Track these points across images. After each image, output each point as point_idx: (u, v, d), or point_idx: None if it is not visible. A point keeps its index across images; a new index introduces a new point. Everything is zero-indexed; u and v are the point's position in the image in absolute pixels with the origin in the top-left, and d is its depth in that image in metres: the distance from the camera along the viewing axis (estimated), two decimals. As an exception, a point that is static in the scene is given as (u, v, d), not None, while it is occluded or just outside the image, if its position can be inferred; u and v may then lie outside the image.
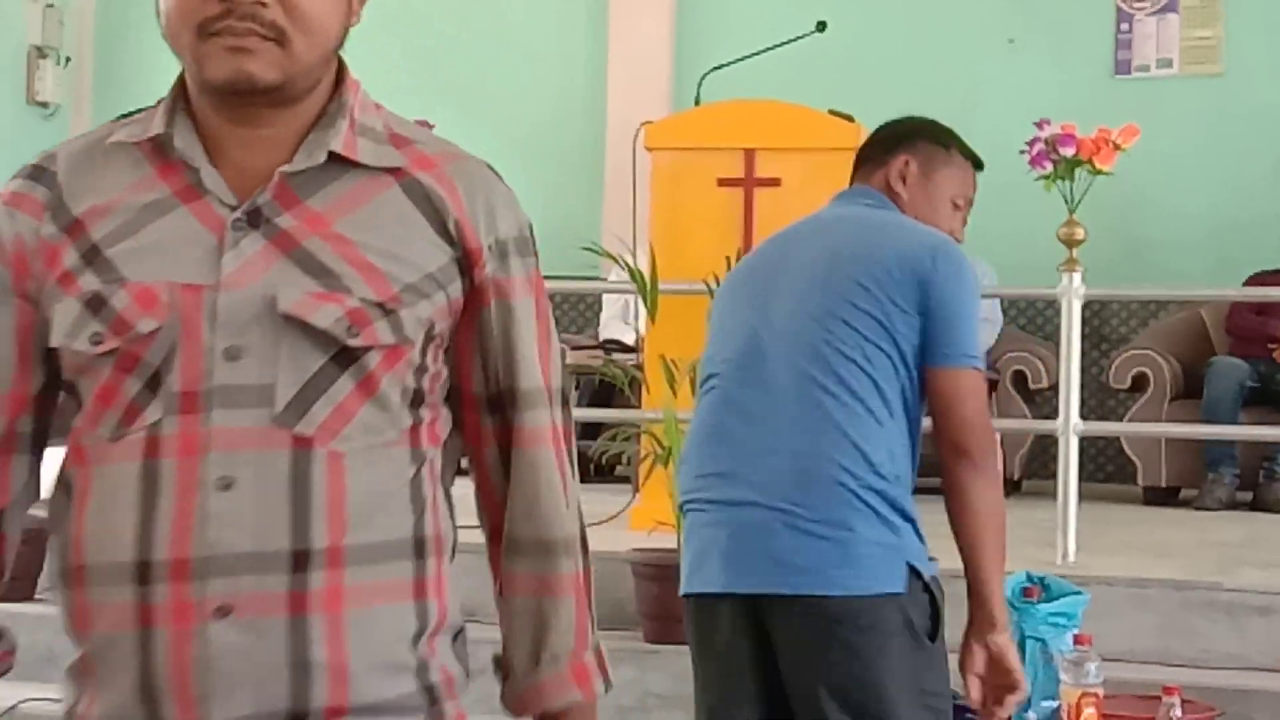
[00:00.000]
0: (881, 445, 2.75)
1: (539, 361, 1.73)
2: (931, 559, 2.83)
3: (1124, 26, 8.41)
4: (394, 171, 1.66)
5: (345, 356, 1.59)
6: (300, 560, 1.56)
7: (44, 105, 9.70)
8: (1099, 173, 5.23)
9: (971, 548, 2.78)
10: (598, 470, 7.76)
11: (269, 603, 1.55)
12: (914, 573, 2.75)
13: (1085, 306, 5.59)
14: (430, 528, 1.66)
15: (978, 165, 3.13)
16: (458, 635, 1.72)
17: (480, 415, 1.74)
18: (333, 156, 1.64)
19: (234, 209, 1.61)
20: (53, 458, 1.72)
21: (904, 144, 3.07)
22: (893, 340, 2.80)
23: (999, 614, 2.82)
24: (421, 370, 1.66)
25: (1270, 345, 7.30)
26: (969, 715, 2.99)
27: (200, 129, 1.64)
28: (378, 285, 1.61)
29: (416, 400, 1.66)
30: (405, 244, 1.63)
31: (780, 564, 2.72)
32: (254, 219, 1.61)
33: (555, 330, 1.78)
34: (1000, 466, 2.87)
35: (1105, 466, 8.17)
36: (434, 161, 1.69)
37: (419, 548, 1.65)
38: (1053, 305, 6.72)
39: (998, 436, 2.86)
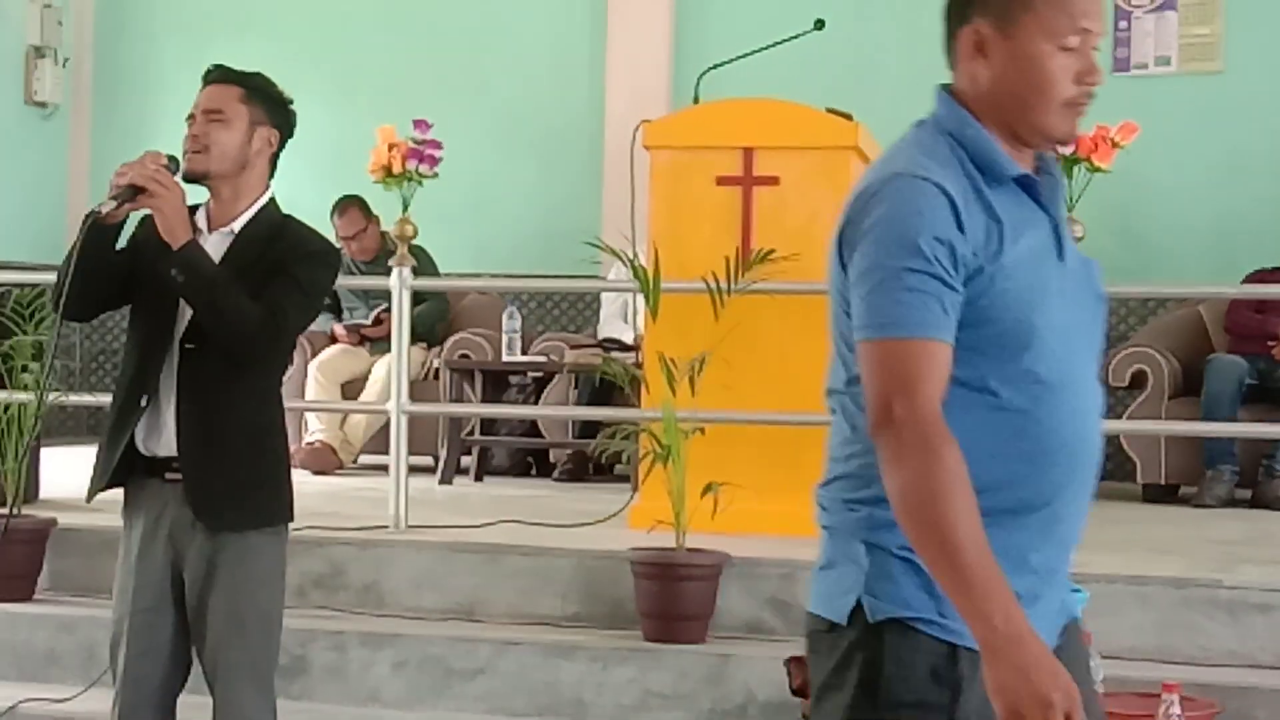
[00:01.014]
0: (854, 452, 2.23)
1: None
2: (944, 617, 2.15)
3: (1122, 24, 8.41)
4: None
5: None
6: None
7: (42, 105, 9.69)
8: (1098, 170, 5.23)
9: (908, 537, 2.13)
10: (597, 468, 7.77)
11: None
12: (863, 609, 2.17)
13: (1084, 304, 5.58)
14: None
15: None
16: None
17: None
18: None
19: None
20: None
21: (967, 9, 2.21)
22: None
23: (971, 607, 2.05)
24: None
25: (1269, 343, 7.29)
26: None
27: None
28: None
29: None
30: None
31: None
32: None
33: None
34: (932, 451, 2.09)
35: (1104, 464, 8.10)
36: None
37: None
38: (1052, 303, 6.70)
39: (927, 413, 2.11)
